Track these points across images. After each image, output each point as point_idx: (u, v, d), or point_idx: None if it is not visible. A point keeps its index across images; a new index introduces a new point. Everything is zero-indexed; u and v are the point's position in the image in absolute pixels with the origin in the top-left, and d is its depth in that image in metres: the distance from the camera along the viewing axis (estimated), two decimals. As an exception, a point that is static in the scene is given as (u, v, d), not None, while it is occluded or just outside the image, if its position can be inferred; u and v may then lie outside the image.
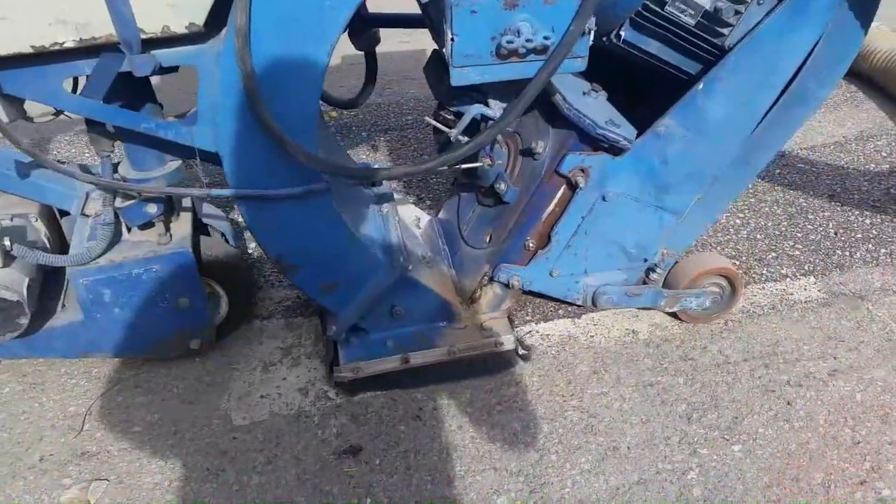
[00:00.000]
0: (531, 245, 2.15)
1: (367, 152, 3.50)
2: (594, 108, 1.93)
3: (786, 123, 1.99)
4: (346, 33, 1.91)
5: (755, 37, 1.81)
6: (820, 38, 1.84)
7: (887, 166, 3.30)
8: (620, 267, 2.24)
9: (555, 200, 2.07)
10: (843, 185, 3.17)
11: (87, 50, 1.53)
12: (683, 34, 1.82)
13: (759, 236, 2.84)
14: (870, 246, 2.76)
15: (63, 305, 2.12)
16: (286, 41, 1.57)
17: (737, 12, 1.75)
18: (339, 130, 3.67)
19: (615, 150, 1.97)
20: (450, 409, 2.09)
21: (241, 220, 2.44)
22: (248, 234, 2.69)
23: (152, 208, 1.93)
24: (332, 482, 1.89)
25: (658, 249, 2.22)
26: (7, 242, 1.83)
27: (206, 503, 1.84)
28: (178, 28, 1.54)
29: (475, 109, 1.85)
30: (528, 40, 1.60)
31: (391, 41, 4.11)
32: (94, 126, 1.82)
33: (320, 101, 1.74)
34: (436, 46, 1.81)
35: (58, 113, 1.82)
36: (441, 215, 2.53)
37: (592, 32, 1.66)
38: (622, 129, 1.93)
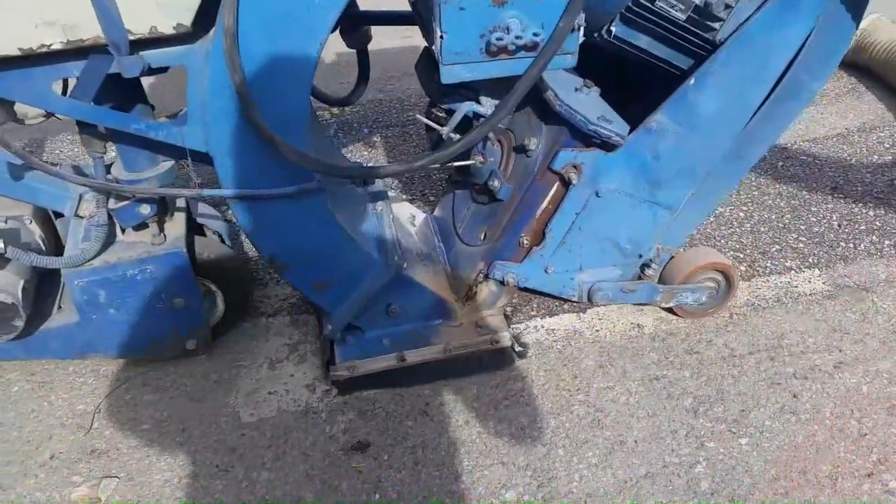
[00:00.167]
0: (526, 242, 2.15)
1: (368, 149, 3.48)
2: (586, 104, 1.92)
3: (778, 117, 1.99)
4: (337, 31, 1.91)
5: (746, 31, 1.80)
6: (811, 31, 1.82)
7: (890, 157, 3.28)
8: (615, 263, 2.23)
9: (548, 197, 2.06)
10: (847, 176, 3.15)
11: (75, 52, 1.53)
12: (674, 29, 1.81)
13: (762, 229, 2.82)
14: (874, 238, 2.75)
15: (59, 307, 2.13)
16: (275, 40, 1.57)
17: (727, 6, 1.75)
18: (340, 127, 3.64)
19: (608, 146, 1.95)
20: (456, 405, 2.09)
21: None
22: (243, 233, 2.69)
23: (145, 209, 1.94)
24: (340, 478, 1.90)
25: (653, 245, 2.21)
26: (1, 245, 1.83)
27: (215, 500, 1.85)
28: (166, 28, 1.53)
29: (466, 107, 1.85)
30: (517, 37, 1.59)
31: (393, 37, 4.02)
32: (85, 128, 1.81)
33: (312, 99, 1.74)
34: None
35: (48, 115, 1.82)
36: (436, 213, 2.53)
37: (582, 28, 1.65)
38: (614, 125, 1.92)
